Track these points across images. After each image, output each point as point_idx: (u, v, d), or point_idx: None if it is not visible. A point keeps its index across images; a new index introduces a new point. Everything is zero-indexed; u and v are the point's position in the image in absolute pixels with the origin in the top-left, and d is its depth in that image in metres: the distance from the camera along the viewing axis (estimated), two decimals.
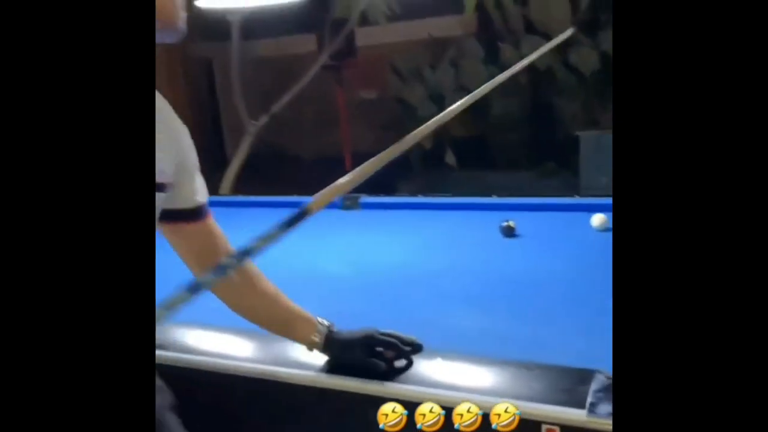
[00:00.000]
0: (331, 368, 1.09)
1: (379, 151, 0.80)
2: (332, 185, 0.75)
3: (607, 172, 4.09)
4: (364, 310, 1.53)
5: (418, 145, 5.61)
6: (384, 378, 1.04)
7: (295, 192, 2.77)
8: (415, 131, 0.85)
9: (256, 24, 4.35)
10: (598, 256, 1.79)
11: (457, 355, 1.13)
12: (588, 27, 4.65)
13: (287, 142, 6.94)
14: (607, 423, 0.89)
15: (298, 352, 1.13)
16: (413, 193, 3.28)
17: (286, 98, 4.41)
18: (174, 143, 0.97)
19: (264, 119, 4.38)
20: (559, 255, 1.91)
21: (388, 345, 1.08)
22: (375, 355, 1.08)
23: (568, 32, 1.07)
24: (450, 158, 5.55)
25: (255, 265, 1.08)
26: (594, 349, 1.14)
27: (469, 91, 1.00)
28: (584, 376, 1.01)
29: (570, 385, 1.00)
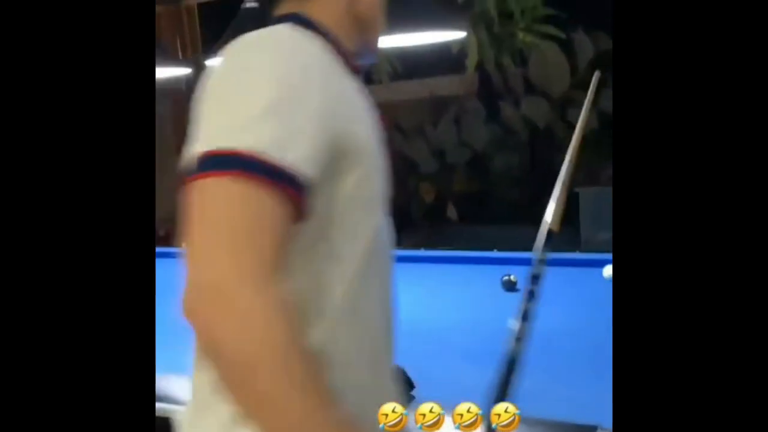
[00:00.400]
0: None
1: None
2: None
3: (607, 227, 4.12)
4: None
5: (419, 200, 5.64)
6: None
7: None
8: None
9: None
10: (597, 310, 1.79)
11: None
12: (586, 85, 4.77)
13: None
14: None
15: None
16: (415, 246, 3.29)
17: None
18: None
19: None
20: (561, 309, 1.91)
21: None
22: None
23: (596, 76, 1.14)
24: (451, 212, 5.59)
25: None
26: (596, 402, 1.13)
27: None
28: (586, 431, 1.00)
29: None
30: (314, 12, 0.79)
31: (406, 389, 1.09)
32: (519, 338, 0.99)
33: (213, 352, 0.57)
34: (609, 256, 2.18)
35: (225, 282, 0.56)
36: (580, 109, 1.10)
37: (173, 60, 3.56)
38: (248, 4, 2.12)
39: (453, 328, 1.82)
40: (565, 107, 5.42)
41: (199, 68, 4.15)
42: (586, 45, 5.45)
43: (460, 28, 2.27)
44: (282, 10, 0.81)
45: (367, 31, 0.83)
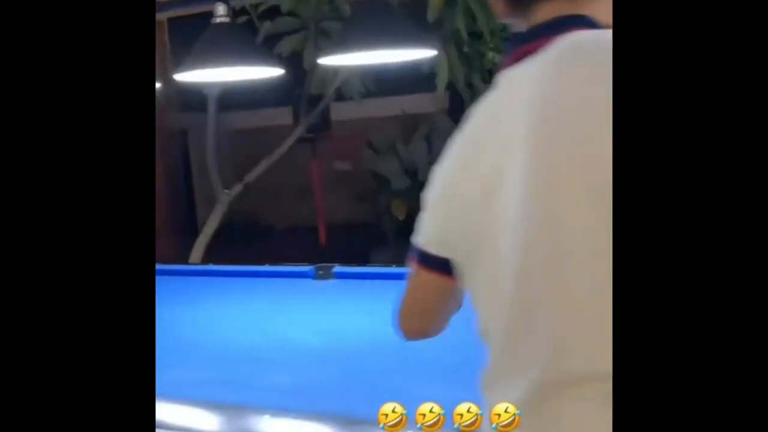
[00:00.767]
0: None
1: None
2: None
3: None
4: (332, 381, 1.51)
5: (391, 217, 5.63)
6: None
7: (266, 261, 2.76)
8: None
9: (232, 96, 4.45)
10: None
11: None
12: None
13: (260, 212, 6.94)
14: None
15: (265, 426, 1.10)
16: (387, 264, 3.28)
17: (260, 168, 4.46)
18: None
19: (237, 188, 4.40)
20: None
21: None
22: None
23: None
24: None
25: None
26: None
27: None
28: None
29: None
30: (601, 14, 0.70)
31: None
32: None
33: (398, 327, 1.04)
34: None
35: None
36: None
37: None
38: (218, 20, 2.11)
39: (424, 344, 1.81)
40: None
41: (167, 82, 4.11)
42: None
43: (431, 46, 2.29)
44: (551, 11, 0.70)
45: None
